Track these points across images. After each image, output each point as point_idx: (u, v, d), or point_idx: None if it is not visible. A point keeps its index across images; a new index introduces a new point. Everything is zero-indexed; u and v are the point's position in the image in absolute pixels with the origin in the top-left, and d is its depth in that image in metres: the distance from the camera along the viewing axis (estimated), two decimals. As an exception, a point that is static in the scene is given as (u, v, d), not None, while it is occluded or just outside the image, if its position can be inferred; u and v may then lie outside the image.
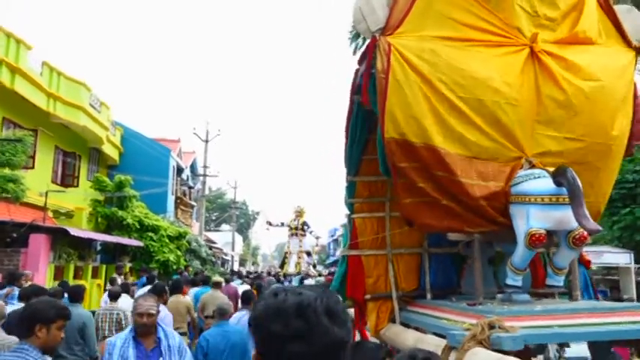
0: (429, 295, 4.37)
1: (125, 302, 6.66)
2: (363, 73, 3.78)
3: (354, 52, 18.13)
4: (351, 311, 4.65)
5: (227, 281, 10.26)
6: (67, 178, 16.73)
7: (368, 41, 3.77)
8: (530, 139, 3.59)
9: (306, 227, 33.21)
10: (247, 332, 4.68)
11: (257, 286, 9.35)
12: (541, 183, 3.35)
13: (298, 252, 32.16)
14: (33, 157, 14.25)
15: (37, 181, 13.98)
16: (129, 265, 15.52)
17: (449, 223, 3.74)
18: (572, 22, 3.78)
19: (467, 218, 3.63)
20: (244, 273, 23.34)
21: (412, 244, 4.55)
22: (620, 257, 12.69)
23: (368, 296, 4.48)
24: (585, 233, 3.33)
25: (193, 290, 9.45)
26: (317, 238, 36.54)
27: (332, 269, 46.80)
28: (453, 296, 4.20)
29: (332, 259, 62.94)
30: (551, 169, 3.37)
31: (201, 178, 28.52)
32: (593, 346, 4.10)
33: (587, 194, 3.46)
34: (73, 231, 11.97)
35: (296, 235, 32.45)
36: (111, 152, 19.82)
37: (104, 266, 15.03)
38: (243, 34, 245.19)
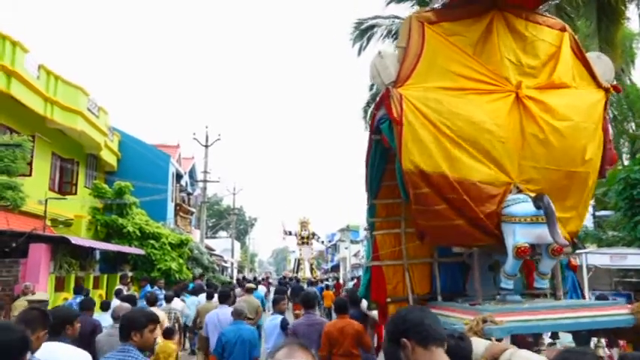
0: (439, 298, 5.21)
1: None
2: (380, 118, 4.62)
3: (359, 53, 18.42)
4: (375, 313, 5.78)
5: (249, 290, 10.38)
6: (64, 186, 16.51)
7: (383, 90, 4.63)
8: (517, 169, 4.40)
9: (316, 237, 38.27)
10: (256, 330, 6.32)
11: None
12: (524, 206, 4.17)
13: (309, 259, 36.42)
14: (30, 164, 13.87)
15: (35, 188, 13.69)
16: (130, 274, 14.98)
17: (454, 239, 4.65)
18: (550, 70, 4.63)
19: (469, 234, 4.44)
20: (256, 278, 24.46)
21: (424, 255, 5.41)
22: (646, 259, 12.30)
23: (389, 299, 5.34)
24: (562, 245, 4.16)
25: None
26: (327, 247, 44.02)
27: (331, 274, 46.53)
28: (459, 298, 5.05)
29: (330, 264, 62.48)
30: (533, 195, 4.21)
31: (200, 184, 27.88)
32: (574, 336, 4.77)
33: (567, 211, 4.52)
34: (75, 240, 11.65)
35: (307, 243, 36.95)
36: (109, 158, 19.55)
37: (105, 276, 14.58)
38: (244, 39, 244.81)
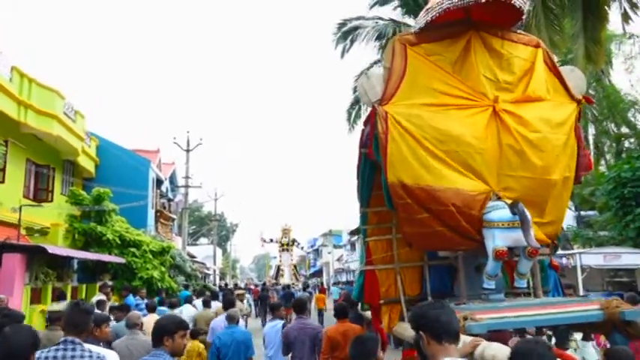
0: (429, 298, 5.44)
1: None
2: (368, 133, 5.00)
3: (342, 55, 18.76)
4: (369, 313, 6.05)
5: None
6: (40, 193, 16.08)
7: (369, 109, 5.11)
8: (496, 178, 4.78)
9: (296, 243, 39.76)
10: (250, 334, 6.72)
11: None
12: (502, 212, 4.56)
13: (289, 265, 37.65)
14: (3, 171, 13.39)
15: (8, 196, 13.23)
16: (110, 283, 14.39)
17: (438, 244, 5.04)
18: (525, 85, 5.01)
19: (452, 240, 4.84)
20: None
21: (415, 259, 5.76)
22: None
23: (382, 301, 5.65)
24: (535, 248, 4.58)
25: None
26: (307, 253, 44.71)
27: (314, 280, 46.34)
28: (447, 298, 5.31)
29: (312, 269, 62.09)
30: (509, 202, 4.60)
31: (181, 190, 27.28)
32: (554, 331, 5.18)
33: (544, 216, 4.92)
34: (51, 249, 11.19)
35: (287, 250, 38.36)
36: (86, 164, 19.12)
37: (84, 286, 14.01)
38: (226, 42, 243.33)
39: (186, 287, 18.95)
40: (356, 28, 17.57)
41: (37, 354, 3.14)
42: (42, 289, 12.15)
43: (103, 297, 10.33)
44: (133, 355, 4.43)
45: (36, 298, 11.80)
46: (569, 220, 22.39)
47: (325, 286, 37.54)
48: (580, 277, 12.35)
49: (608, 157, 20.36)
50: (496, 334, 4.70)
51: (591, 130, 21.13)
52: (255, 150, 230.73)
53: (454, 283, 5.61)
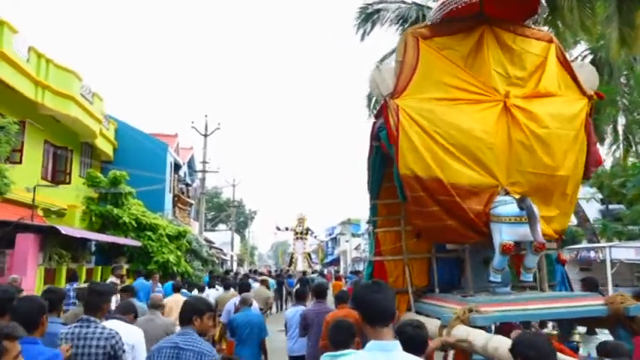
0: (437, 290, 5.67)
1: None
2: (380, 126, 5.09)
3: (362, 38, 18.58)
4: None
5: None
6: (58, 175, 16.13)
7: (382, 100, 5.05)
8: (505, 173, 4.85)
9: (310, 232, 40.76)
10: (262, 315, 7.39)
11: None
12: (509, 207, 4.62)
13: (303, 253, 38.67)
14: (21, 152, 13.47)
15: (26, 177, 13.19)
16: (126, 266, 14.33)
17: (447, 237, 5.11)
18: (537, 80, 5.04)
19: (461, 233, 4.93)
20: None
21: (422, 251, 5.86)
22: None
23: None
24: (541, 243, 4.62)
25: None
26: (320, 242, 46.35)
27: (330, 268, 46.41)
28: (454, 290, 5.52)
29: (330, 258, 62.01)
30: (517, 196, 4.66)
31: (199, 175, 27.42)
32: (558, 324, 5.33)
33: (551, 211, 4.98)
34: (65, 230, 11.08)
35: (301, 238, 39.38)
36: (104, 147, 19.16)
37: (99, 268, 14.06)
38: (244, 24, 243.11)
39: (211, 273, 18.94)
40: (378, 10, 17.28)
41: (64, 329, 3.76)
42: (56, 270, 12.11)
43: (115, 280, 10.19)
44: (147, 334, 4.60)
45: (50, 278, 11.75)
46: (594, 213, 21.65)
47: (342, 274, 37.72)
48: (609, 272, 11.80)
49: (639, 148, 19.52)
50: (508, 326, 5.03)
51: (621, 120, 20.29)
52: (275, 136, 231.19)
53: (461, 276, 5.72)
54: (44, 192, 14.32)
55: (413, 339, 3.09)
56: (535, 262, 4.96)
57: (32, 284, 10.68)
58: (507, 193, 4.77)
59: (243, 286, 8.30)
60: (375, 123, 5.37)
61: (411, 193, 4.79)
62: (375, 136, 5.34)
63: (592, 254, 12.90)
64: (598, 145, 22.45)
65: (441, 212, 4.79)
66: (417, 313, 5.25)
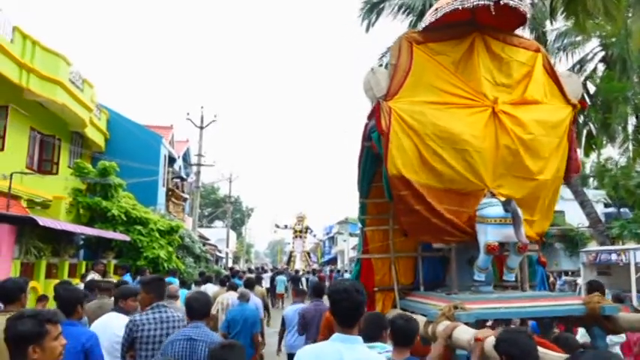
0: (422, 288, 5.99)
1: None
2: (371, 127, 5.39)
3: (367, 29, 17.69)
4: None
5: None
6: (44, 164, 15.59)
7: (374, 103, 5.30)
8: (491, 176, 5.18)
9: (310, 231, 40.79)
10: (257, 310, 7.84)
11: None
12: (495, 209, 4.95)
13: (302, 252, 38.58)
14: (3, 138, 12.36)
15: (8, 164, 12.77)
16: (114, 262, 13.52)
17: (432, 235, 5.40)
18: (523, 88, 5.36)
19: (446, 232, 5.25)
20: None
21: (409, 250, 6.13)
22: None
23: (376, 288, 6.01)
24: (524, 245, 5.03)
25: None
26: (320, 241, 45.87)
27: (327, 268, 45.70)
28: (439, 288, 5.79)
29: (327, 257, 61.28)
30: (503, 199, 5.01)
31: (194, 168, 26.62)
32: (538, 323, 5.50)
33: (534, 214, 5.32)
34: (43, 221, 10.41)
35: (300, 237, 39.26)
36: (95, 137, 18.66)
37: (84, 263, 13.17)
38: (245, 14, 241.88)
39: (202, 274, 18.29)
40: (383, 0, 16.52)
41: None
42: (35, 265, 11.27)
43: (95, 276, 9.38)
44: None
45: (27, 273, 10.92)
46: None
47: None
48: (634, 276, 10.96)
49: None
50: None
51: (631, 120, 19.60)
52: (272, 133, 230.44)
53: (446, 274, 6.03)
54: (29, 182, 13.63)
55: (403, 330, 3.53)
56: (517, 262, 5.30)
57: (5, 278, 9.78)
58: (493, 196, 5.08)
59: (248, 283, 8.88)
60: (367, 124, 5.66)
61: (397, 192, 5.09)
62: (366, 137, 5.65)
63: (613, 257, 12.08)
64: (609, 144, 21.45)
65: (426, 211, 5.08)
66: (403, 310, 5.48)
